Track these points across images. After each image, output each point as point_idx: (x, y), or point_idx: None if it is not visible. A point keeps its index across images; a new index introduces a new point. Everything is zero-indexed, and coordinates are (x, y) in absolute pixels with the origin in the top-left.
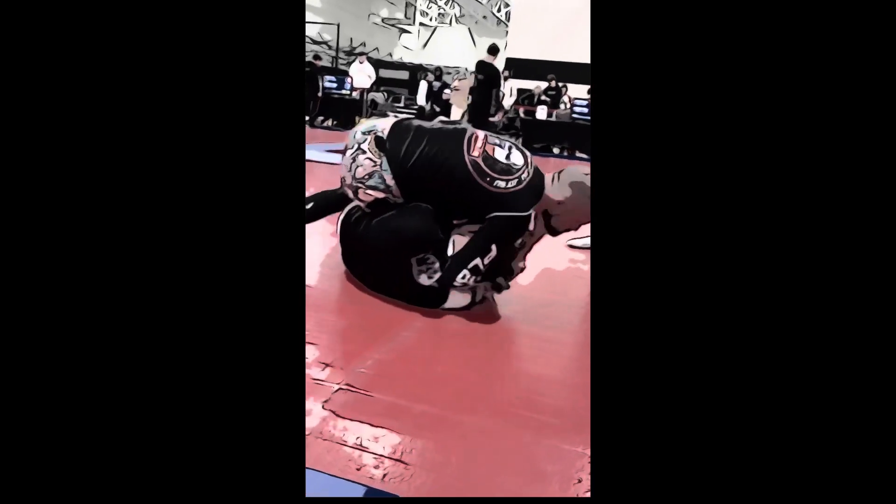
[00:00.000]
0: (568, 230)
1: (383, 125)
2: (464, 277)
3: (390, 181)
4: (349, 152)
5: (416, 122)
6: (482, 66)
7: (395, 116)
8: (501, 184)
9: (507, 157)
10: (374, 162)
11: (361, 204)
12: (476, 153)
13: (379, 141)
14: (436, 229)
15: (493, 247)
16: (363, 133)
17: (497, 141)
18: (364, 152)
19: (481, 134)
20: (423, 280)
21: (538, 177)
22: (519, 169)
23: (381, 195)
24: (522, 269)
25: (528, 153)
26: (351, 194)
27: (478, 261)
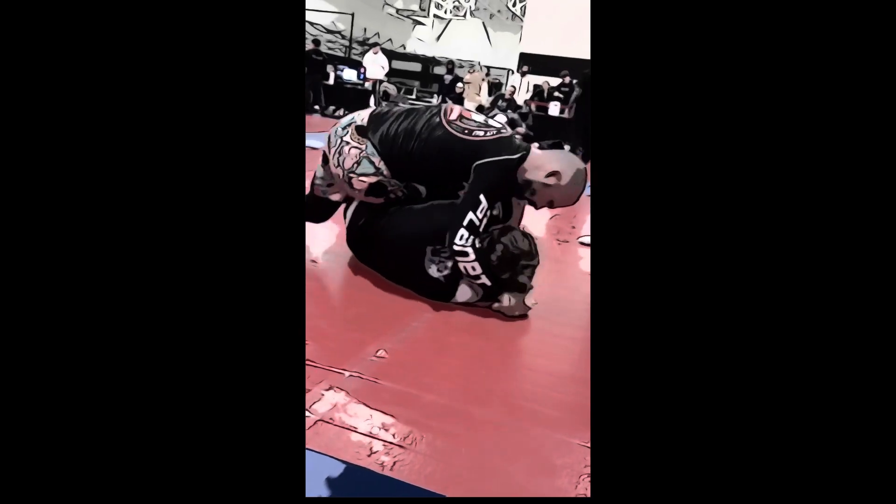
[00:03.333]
0: (543, 208)
1: (361, 115)
2: (461, 238)
3: (379, 163)
4: (333, 149)
5: (393, 107)
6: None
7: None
8: (480, 133)
9: (485, 120)
10: (360, 148)
11: (358, 194)
12: (453, 116)
13: (360, 129)
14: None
15: (482, 197)
16: (343, 128)
17: (474, 112)
18: (348, 143)
19: (457, 106)
20: (433, 272)
21: (519, 136)
22: (499, 126)
23: (374, 179)
24: (531, 287)
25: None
26: (347, 188)
27: (471, 215)
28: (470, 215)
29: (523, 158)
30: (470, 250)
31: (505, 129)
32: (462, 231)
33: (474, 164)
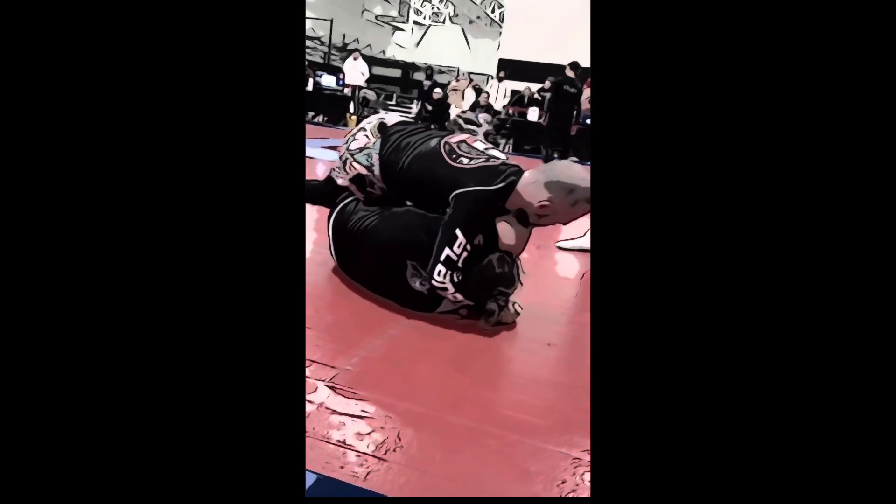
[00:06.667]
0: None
1: (392, 117)
2: (440, 274)
3: (375, 161)
4: (356, 128)
5: (415, 124)
6: (571, 81)
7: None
8: (465, 160)
9: (486, 150)
10: (369, 139)
11: (344, 179)
12: (454, 140)
13: (381, 126)
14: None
15: (459, 232)
16: (374, 118)
17: (482, 139)
18: (365, 129)
19: (467, 135)
20: (416, 285)
21: (514, 167)
22: (492, 157)
23: (363, 171)
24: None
25: (506, 157)
26: (339, 164)
27: (447, 251)
28: (447, 251)
29: (504, 190)
30: (449, 285)
31: (494, 159)
32: (440, 267)
33: (452, 194)
